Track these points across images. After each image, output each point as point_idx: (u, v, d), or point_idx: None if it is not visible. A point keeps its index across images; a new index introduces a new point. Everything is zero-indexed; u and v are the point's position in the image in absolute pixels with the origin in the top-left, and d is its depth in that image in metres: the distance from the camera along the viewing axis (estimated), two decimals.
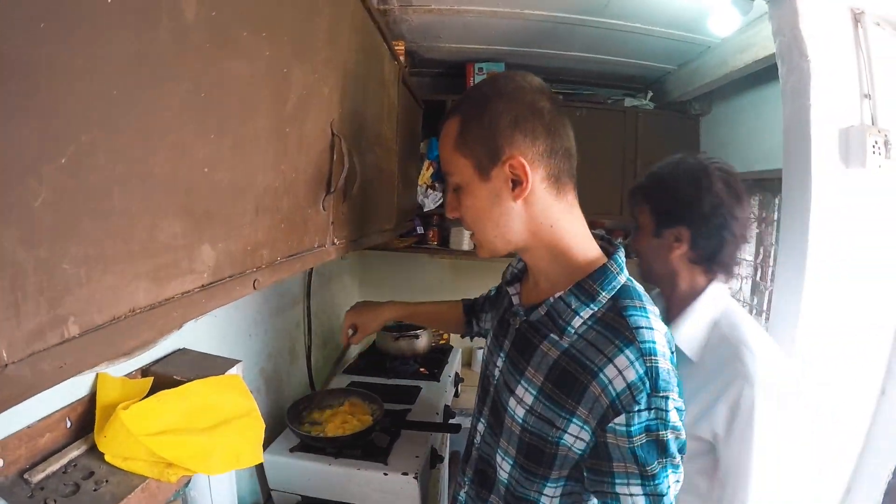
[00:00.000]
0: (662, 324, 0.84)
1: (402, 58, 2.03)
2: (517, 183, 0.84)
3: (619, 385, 0.75)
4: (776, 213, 2.25)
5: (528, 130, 0.83)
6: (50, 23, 0.35)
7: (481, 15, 2.09)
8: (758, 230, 2.42)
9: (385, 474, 1.52)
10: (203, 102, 0.55)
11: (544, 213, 0.87)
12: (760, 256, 2.39)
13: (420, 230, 2.86)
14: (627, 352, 0.76)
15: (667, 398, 0.75)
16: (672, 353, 0.82)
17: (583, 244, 0.90)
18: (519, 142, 0.83)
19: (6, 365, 0.34)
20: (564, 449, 0.82)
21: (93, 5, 0.39)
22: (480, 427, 1.02)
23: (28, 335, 0.35)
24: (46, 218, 0.37)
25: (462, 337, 1.52)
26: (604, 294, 0.83)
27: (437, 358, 2.54)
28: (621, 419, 0.75)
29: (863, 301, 1.44)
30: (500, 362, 0.98)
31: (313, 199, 0.94)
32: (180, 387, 0.95)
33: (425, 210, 2.69)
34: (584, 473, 0.82)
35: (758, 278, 2.41)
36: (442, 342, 2.89)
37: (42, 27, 0.35)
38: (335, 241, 1.10)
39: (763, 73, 2.02)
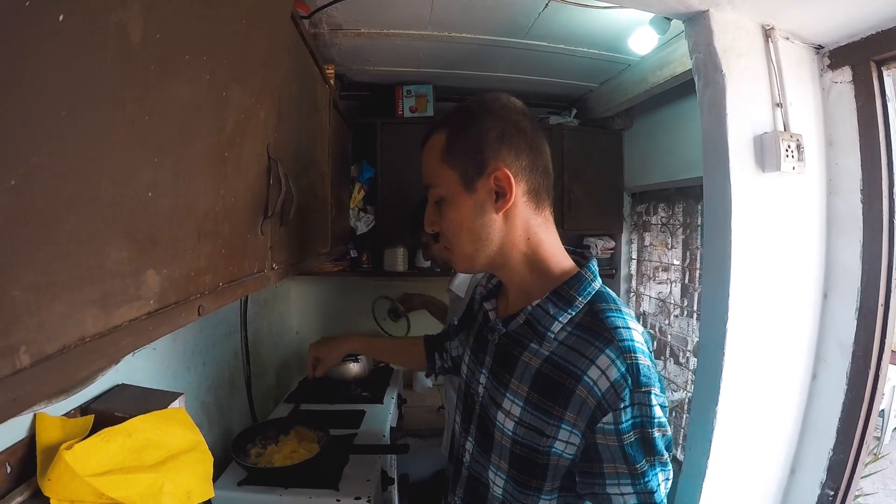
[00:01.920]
0: (639, 324, 0.88)
1: (332, 81, 2.06)
2: (500, 195, 0.88)
3: (604, 385, 0.78)
4: (700, 219, 2.41)
5: (512, 145, 0.88)
6: None
7: (409, 38, 2.15)
8: (683, 235, 2.58)
9: (338, 500, 1.51)
10: (147, 125, 0.55)
11: (524, 227, 0.91)
12: (688, 260, 2.55)
13: (353, 254, 2.86)
14: (608, 352, 0.80)
15: (649, 393, 0.79)
16: (651, 351, 0.86)
17: (558, 256, 0.94)
18: (504, 155, 0.87)
19: None
20: (556, 457, 0.85)
21: (43, 25, 0.39)
22: (469, 446, 1.02)
23: None
24: None
25: (426, 376, 1.52)
26: (580, 300, 0.88)
27: (378, 381, 2.56)
28: (609, 418, 0.78)
29: (786, 294, 1.56)
30: (483, 379, 0.99)
31: (252, 223, 0.94)
32: (124, 423, 0.92)
33: (358, 233, 2.70)
34: (576, 478, 0.85)
35: (686, 281, 2.56)
36: (381, 364, 2.89)
37: None
38: (274, 266, 1.10)
39: (681, 88, 2.17)
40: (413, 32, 2.10)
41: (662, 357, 2.66)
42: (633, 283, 2.99)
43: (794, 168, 1.46)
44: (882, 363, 1.46)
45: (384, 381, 2.57)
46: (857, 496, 1.67)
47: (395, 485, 2.11)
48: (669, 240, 2.67)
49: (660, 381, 0.83)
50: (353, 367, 2.45)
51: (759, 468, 1.62)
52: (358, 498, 1.52)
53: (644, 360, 0.81)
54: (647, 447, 0.79)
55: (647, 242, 2.89)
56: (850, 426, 1.50)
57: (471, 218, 0.90)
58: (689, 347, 2.45)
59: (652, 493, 0.79)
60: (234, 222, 0.85)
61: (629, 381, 0.78)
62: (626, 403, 0.78)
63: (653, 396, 0.79)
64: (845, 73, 1.55)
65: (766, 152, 1.47)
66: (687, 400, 2.39)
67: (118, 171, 0.51)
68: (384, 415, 2.18)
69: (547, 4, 1.81)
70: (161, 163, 0.59)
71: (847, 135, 1.55)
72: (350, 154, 2.61)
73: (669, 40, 1.98)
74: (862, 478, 1.65)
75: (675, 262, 2.62)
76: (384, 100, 2.80)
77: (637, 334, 0.84)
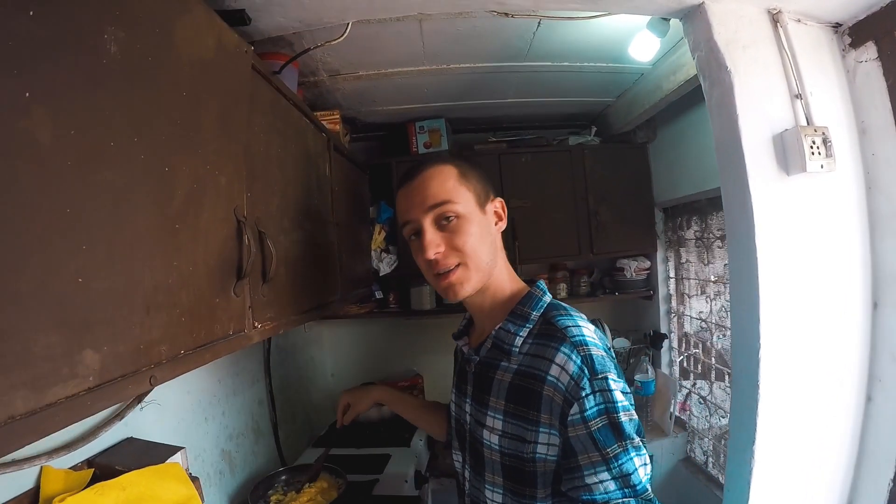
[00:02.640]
0: (590, 324, 1.01)
1: (338, 126, 2.14)
2: (499, 219, 1.11)
3: (565, 379, 0.90)
4: (725, 226, 2.30)
5: (492, 185, 1.14)
6: None
7: (409, 75, 2.23)
8: (721, 247, 2.50)
9: None
10: (69, 218, 0.62)
11: (501, 251, 1.12)
12: (726, 274, 2.46)
13: (378, 294, 2.91)
14: (563, 349, 0.93)
15: (606, 379, 0.89)
16: (607, 347, 0.97)
17: (513, 278, 1.14)
18: (493, 189, 1.13)
19: None
20: (541, 463, 0.94)
21: None
22: (467, 474, 1.13)
23: None
24: None
25: (443, 442, 1.58)
26: (534, 314, 1.03)
27: (406, 423, 2.55)
28: (575, 408, 0.88)
29: (828, 308, 1.45)
30: (468, 407, 1.12)
31: (220, 287, 1.00)
32: (118, 478, 1.00)
33: (381, 274, 2.76)
34: (562, 478, 0.93)
35: (727, 297, 2.47)
36: None
37: None
38: (256, 324, 1.15)
39: (699, 92, 2.09)
40: (411, 69, 2.18)
41: (708, 380, 2.57)
42: (674, 303, 2.90)
43: (822, 166, 1.35)
44: None
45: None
46: None
47: None
48: (705, 255, 2.59)
49: (616, 368, 0.94)
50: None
51: (809, 496, 1.52)
52: None
53: (597, 351, 0.92)
54: (616, 432, 0.87)
55: (683, 259, 2.81)
56: None
57: (485, 234, 1.06)
58: None
59: (628, 475, 0.86)
60: (195, 290, 0.91)
61: (586, 371, 0.89)
62: (587, 391, 0.88)
63: (611, 381, 0.89)
64: (870, 50, 1.43)
65: (788, 152, 1.37)
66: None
67: (40, 265, 0.58)
68: (409, 458, 2.21)
69: (539, 24, 1.84)
70: (91, 249, 0.65)
71: (881, 119, 1.42)
72: (367, 196, 2.68)
73: (677, 43, 1.97)
74: None
75: (713, 278, 2.54)
76: (398, 138, 2.87)
77: (587, 330, 0.97)
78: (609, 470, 0.86)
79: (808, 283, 1.42)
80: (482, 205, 1.07)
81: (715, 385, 2.52)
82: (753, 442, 1.39)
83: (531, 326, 1.02)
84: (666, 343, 2.90)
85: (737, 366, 1.52)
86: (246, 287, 1.09)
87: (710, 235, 2.56)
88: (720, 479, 2.45)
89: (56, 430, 0.60)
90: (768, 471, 1.41)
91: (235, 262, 1.05)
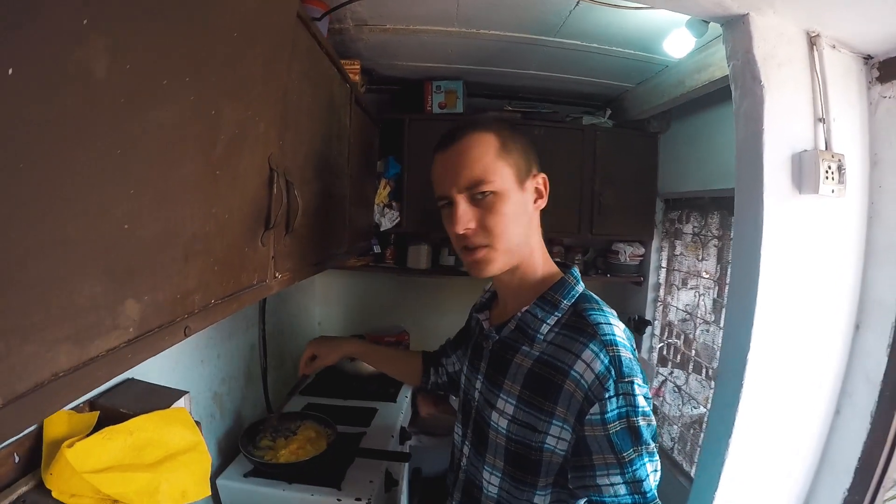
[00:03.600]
0: (620, 321, 0.96)
1: (357, 77, 2.06)
2: (539, 197, 1.02)
3: (589, 377, 0.85)
4: (733, 231, 2.32)
5: (536, 158, 1.03)
6: None
7: (437, 34, 2.13)
8: (717, 246, 2.51)
9: (339, 500, 1.56)
10: (119, 159, 0.56)
11: (537, 230, 1.04)
12: (718, 273, 2.48)
13: (377, 249, 2.87)
14: (592, 346, 0.87)
15: (632, 383, 0.85)
16: (633, 346, 0.92)
17: (547, 261, 1.06)
18: (537, 162, 1.03)
19: None
20: (548, 453, 0.91)
21: None
22: (466, 450, 1.10)
23: None
24: None
25: (418, 391, 1.56)
26: (565, 302, 0.97)
27: (393, 378, 2.56)
28: (595, 409, 0.84)
29: (814, 324, 1.49)
30: (478, 384, 1.07)
31: (251, 236, 0.96)
32: (126, 422, 0.97)
33: (382, 229, 2.71)
34: (568, 474, 0.89)
35: (717, 295, 2.49)
36: None
37: None
38: (277, 274, 1.11)
39: (720, 93, 2.08)
40: (440, 29, 2.08)
41: (686, 370, 2.60)
42: (661, 292, 2.92)
43: (833, 191, 1.38)
44: None
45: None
46: None
47: (403, 484, 2.14)
48: (701, 250, 2.59)
49: (642, 372, 0.89)
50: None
51: (770, 502, 1.57)
52: (358, 499, 1.56)
53: (626, 353, 0.87)
54: (634, 436, 0.84)
55: (678, 251, 2.81)
56: (870, 467, 1.44)
57: (521, 213, 0.99)
58: (715, 364, 2.39)
59: (641, 481, 0.84)
60: (229, 238, 0.86)
61: (612, 373, 0.84)
62: (611, 394, 0.84)
63: (636, 386, 0.85)
64: (895, 87, 1.45)
65: (804, 172, 1.39)
66: (707, 419, 2.34)
67: (89, 210, 0.52)
68: (396, 414, 2.22)
69: (577, 3, 1.76)
70: (139, 193, 0.60)
71: (894, 154, 1.45)
72: (377, 149, 2.61)
73: (708, 42, 1.91)
74: None
75: (706, 274, 2.55)
76: (413, 94, 2.78)
77: (618, 330, 0.92)
78: (622, 474, 0.83)
79: (801, 296, 1.46)
80: (522, 181, 0.98)
81: (692, 377, 2.56)
82: (730, 435, 1.44)
83: (560, 315, 0.96)
84: (649, 329, 2.93)
85: (724, 362, 1.55)
86: (271, 237, 1.04)
87: (708, 233, 2.55)
88: (684, 465, 2.51)
89: (97, 386, 0.55)
90: (739, 464, 1.46)
91: (265, 211, 1.00)
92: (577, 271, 1.05)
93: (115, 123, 0.55)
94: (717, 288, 2.48)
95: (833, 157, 1.39)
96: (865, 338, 1.51)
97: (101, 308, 0.55)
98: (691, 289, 2.70)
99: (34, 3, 0.42)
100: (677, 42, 1.87)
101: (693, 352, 2.59)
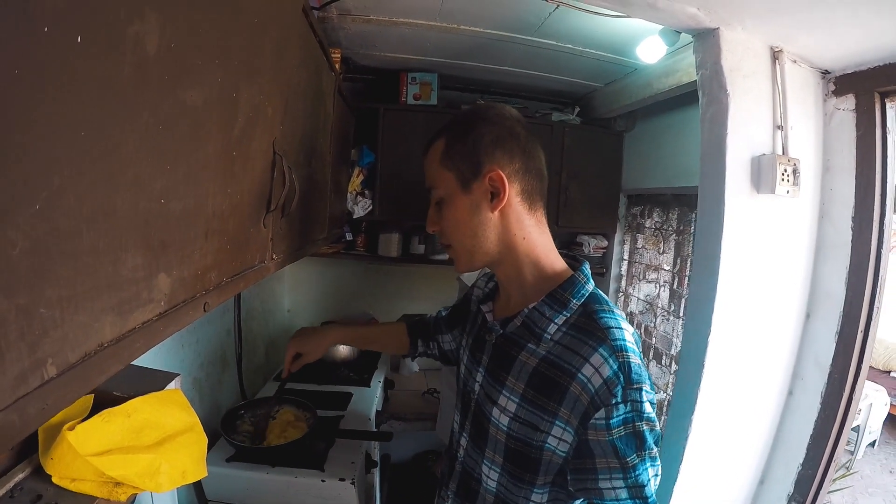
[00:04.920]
0: (630, 325, 0.92)
1: (337, 65, 2.05)
2: (495, 195, 0.94)
3: (597, 382, 0.83)
4: (693, 227, 2.44)
5: (506, 149, 0.94)
6: (24, 72, 0.36)
7: (418, 28, 2.13)
8: (676, 240, 2.61)
9: (322, 481, 1.57)
10: (160, 134, 0.56)
11: (518, 226, 0.97)
12: (678, 266, 2.59)
13: (349, 236, 2.87)
14: (601, 350, 0.84)
15: (640, 390, 0.83)
16: (640, 351, 0.90)
17: (551, 257, 1.00)
18: (498, 158, 0.94)
19: None
20: (549, 453, 0.89)
21: (62, 49, 0.40)
22: (463, 442, 1.07)
23: (13, 381, 0.37)
24: (23, 265, 0.38)
25: (403, 357, 1.55)
26: (575, 301, 0.93)
27: (366, 364, 2.59)
28: (601, 413, 0.82)
29: (770, 312, 1.60)
30: (479, 377, 1.04)
31: (256, 217, 0.96)
32: (124, 404, 0.94)
33: (354, 217, 2.71)
34: (568, 476, 0.88)
35: (675, 286, 2.60)
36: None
37: (16, 74, 0.36)
38: (273, 256, 1.12)
39: (685, 97, 2.17)
40: (422, 22, 2.08)
41: (647, 358, 2.71)
42: (623, 284, 3.02)
43: (788, 192, 1.49)
44: (857, 386, 1.50)
45: (372, 364, 2.61)
46: None
47: (378, 467, 2.16)
48: (661, 244, 2.70)
49: (649, 378, 0.87)
50: (342, 350, 2.47)
51: (730, 477, 1.67)
52: (342, 479, 1.57)
53: (635, 359, 0.85)
54: (639, 441, 0.82)
55: (639, 244, 2.91)
56: (821, 443, 1.55)
57: (468, 216, 0.96)
58: (673, 351, 2.50)
59: (642, 486, 0.83)
60: (239, 218, 0.86)
61: (621, 379, 0.82)
62: (619, 400, 0.81)
63: (643, 393, 0.83)
64: (849, 101, 1.56)
65: (762, 174, 1.49)
66: (667, 402, 2.44)
67: (134, 183, 0.52)
68: (371, 398, 2.23)
69: (557, 7, 1.80)
70: (174, 169, 0.60)
71: (844, 161, 1.57)
72: (352, 138, 2.60)
73: (678, 49, 1.98)
74: (831, 492, 1.71)
75: (666, 267, 2.65)
76: (388, 85, 2.77)
77: (628, 334, 0.88)
78: (625, 479, 0.82)
79: (757, 286, 1.56)
80: (466, 184, 0.95)
81: (652, 363, 2.66)
82: (693, 412, 1.52)
83: (568, 315, 0.92)
84: None
85: (686, 344, 1.64)
86: (271, 219, 1.05)
87: (669, 228, 2.66)
88: None
89: (134, 357, 0.56)
90: (702, 439, 1.55)
91: (267, 194, 1.00)
92: (587, 268, 0.99)
93: (160, 99, 0.55)
94: (675, 280, 2.59)
95: (789, 161, 1.50)
96: (815, 326, 1.63)
97: (140, 281, 0.56)
98: (651, 281, 2.81)
99: None
100: (650, 48, 1.94)
101: (653, 340, 2.69)
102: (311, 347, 1.49)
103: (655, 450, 0.84)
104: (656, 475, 0.86)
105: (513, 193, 0.95)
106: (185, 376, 1.63)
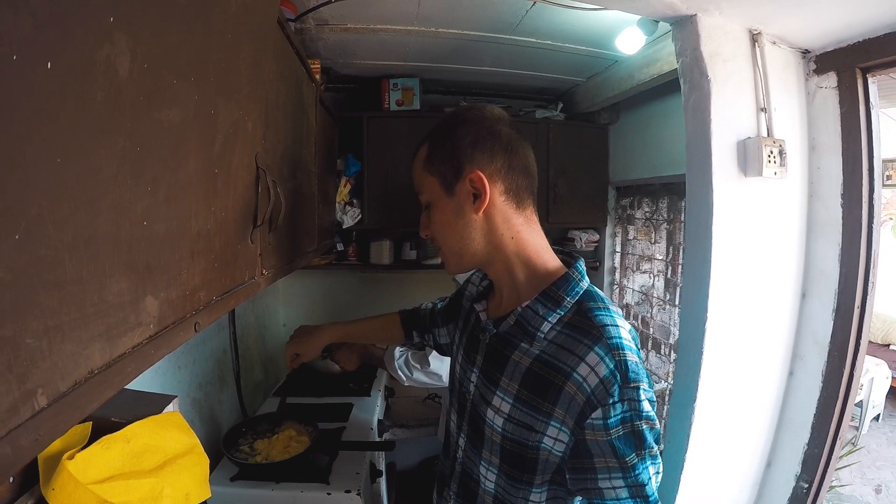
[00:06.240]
0: (626, 322, 0.92)
1: (317, 76, 2.05)
2: (477, 196, 0.93)
3: (593, 381, 0.81)
4: (683, 215, 2.45)
5: (486, 149, 0.93)
6: None
7: (396, 33, 2.15)
8: (668, 229, 2.63)
9: (328, 494, 1.56)
10: (139, 156, 0.56)
11: (505, 225, 0.95)
12: (671, 255, 2.60)
13: (340, 247, 2.87)
14: (597, 349, 0.83)
15: (638, 388, 0.82)
16: (638, 347, 0.89)
17: (544, 255, 0.99)
18: (478, 159, 0.93)
19: None
20: (545, 453, 0.88)
21: (32, 76, 0.39)
22: (461, 442, 1.06)
23: (4, 413, 0.36)
24: (6, 297, 0.37)
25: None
26: (568, 300, 0.91)
27: (365, 373, 2.58)
28: (598, 413, 0.81)
29: (765, 294, 1.60)
30: (474, 378, 1.03)
31: (243, 233, 0.96)
32: (123, 430, 0.93)
33: (344, 227, 2.71)
34: (567, 476, 0.87)
35: (669, 275, 2.61)
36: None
37: None
38: (264, 271, 1.11)
39: (667, 86, 2.19)
40: (400, 28, 2.09)
41: (645, 348, 2.72)
42: (617, 276, 3.04)
43: (775, 173, 1.49)
44: (857, 362, 1.51)
45: (371, 373, 2.60)
46: (832, 486, 1.73)
47: (384, 476, 2.16)
48: (653, 234, 2.71)
49: (647, 376, 0.86)
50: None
51: (736, 461, 1.67)
52: (348, 491, 1.57)
53: (632, 357, 0.84)
54: (638, 440, 0.81)
55: (631, 236, 2.93)
56: (825, 422, 1.55)
57: (453, 219, 0.96)
58: (672, 340, 2.51)
59: (643, 485, 0.82)
60: (225, 236, 0.86)
61: (618, 378, 0.81)
62: (615, 399, 0.81)
63: (641, 391, 0.82)
64: (830, 79, 1.56)
65: (748, 157, 1.49)
66: (668, 391, 2.45)
67: (114, 207, 0.52)
68: (371, 407, 2.23)
69: (534, 3, 1.81)
70: (154, 191, 0.60)
71: (830, 140, 1.57)
72: (336, 148, 2.60)
73: (657, 38, 2.00)
74: (838, 469, 1.72)
75: (659, 256, 2.66)
76: (370, 93, 2.79)
77: (625, 332, 0.87)
78: (625, 478, 0.82)
79: (751, 270, 1.56)
80: (449, 187, 0.95)
81: (651, 353, 2.67)
82: (695, 400, 1.52)
83: (562, 313, 0.91)
84: None
85: (684, 332, 1.64)
86: (258, 235, 1.04)
87: (659, 217, 2.67)
88: None
89: (126, 382, 0.55)
90: (705, 427, 1.54)
91: (253, 209, 1.00)
92: (582, 265, 0.98)
93: (136, 121, 0.55)
94: (669, 269, 2.60)
95: (775, 142, 1.50)
96: (812, 305, 1.64)
97: (127, 305, 0.55)
98: (645, 271, 2.82)
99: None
100: (629, 39, 1.95)
101: (651, 330, 2.70)
102: (306, 348, 1.56)
103: (656, 448, 0.83)
104: (657, 473, 0.85)
105: (496, 193, 0.94)
106: (184, 397, 1.62)
